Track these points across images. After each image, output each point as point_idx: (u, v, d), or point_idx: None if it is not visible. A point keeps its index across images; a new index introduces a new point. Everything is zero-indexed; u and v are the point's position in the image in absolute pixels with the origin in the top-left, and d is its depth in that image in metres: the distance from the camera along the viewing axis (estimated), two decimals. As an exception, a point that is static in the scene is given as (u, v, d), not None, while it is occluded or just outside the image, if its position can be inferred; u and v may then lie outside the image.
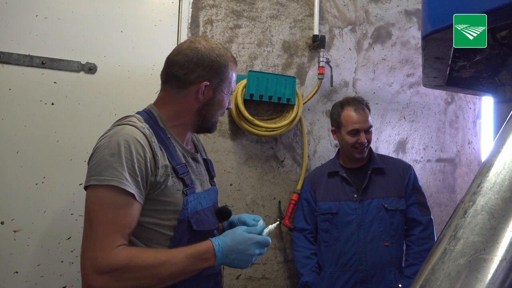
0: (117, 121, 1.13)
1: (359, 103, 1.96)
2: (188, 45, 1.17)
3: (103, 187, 0.98)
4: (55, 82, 1.72)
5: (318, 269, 1.94)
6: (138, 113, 1.17)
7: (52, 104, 1.71)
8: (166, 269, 0.99)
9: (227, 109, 1.27)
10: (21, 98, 1.66)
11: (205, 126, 1.24)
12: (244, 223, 1.29)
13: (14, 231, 1.63)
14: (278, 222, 1.22)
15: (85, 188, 1.03)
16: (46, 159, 1.68)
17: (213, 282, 1.22)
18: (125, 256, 0.96)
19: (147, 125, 1.10)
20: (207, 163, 1.34)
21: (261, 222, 1.23)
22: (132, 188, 1.00)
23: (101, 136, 1.08)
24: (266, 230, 1.15)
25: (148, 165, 1.03)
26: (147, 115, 1.15)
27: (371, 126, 1.94)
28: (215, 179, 1.37)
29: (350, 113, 1.93)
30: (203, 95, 1.17)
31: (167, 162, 1.09)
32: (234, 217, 1.34)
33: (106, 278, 0.94)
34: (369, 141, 1.93)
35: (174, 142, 1.16)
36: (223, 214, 1.30)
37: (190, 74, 1.15)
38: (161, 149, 1.09)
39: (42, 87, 1.70)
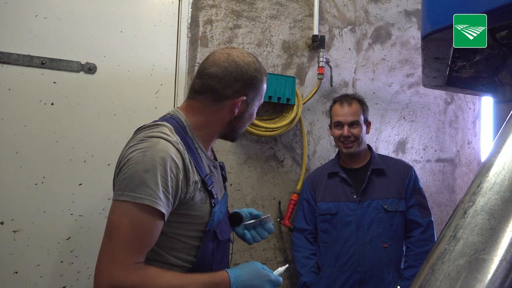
0: (145, 128, 1.09)
1: (347, 98, 1.98)
2: (226, 57, 1.14)
3: (135, 204, 0.96)
4: (54, 82, 1.72)
5: (317, 269, 1.94)
6: (166, 120, 1.12)
7: (52, 104, 1.71)
8: None
9: None
10: (21, 98, 1.66)
11: (233, 136, 1.24)
12: (251, 214, 1.38)
13: (14, 231, 1.63)
14: (287, 265, 1.24)
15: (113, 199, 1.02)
16: (46, 159, 1.68)
17: None
18: (141, 276, 0.95)
19: (179, 138, 1.06)
20: (221, 167, 1.33)
21: (267, 217, 1.35)
22: (163, 207, 0.98)
23: (131, 146, 1.04)
24: (277, 272, 1.17)
25: (180, 183, 1.02)
26: (176, 123, 1.11)
27: (356, 121, 1.92)
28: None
29: (336, 107, 1.99)
30: (238, 109, 1.15)
31: (197, 177, 1.08)
32: (243, 211, 1.40)
33: None
34: (355, 136, 1.92)
35: (200, 152, 1.14)
36: (236, 220, 1.34)
37: (229, 88, 1.12)
38: (191, 164, 1.07)
39: (42, 87, 1.69)
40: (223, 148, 2.07)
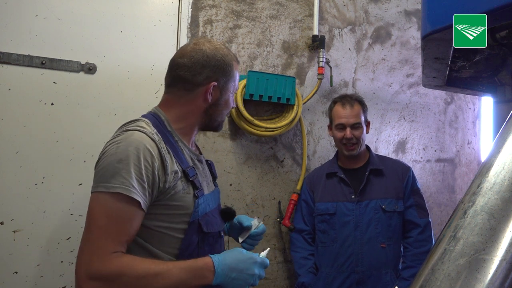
0: (125, 124, 1.12)
1: (348, 99, 1.97)
2: (193, 47, 1.17)
3: (109, 194, 0.98)
4: (54, 82, 1.72)
5: (315, 269, 1.94)
6: (144, 116, 1.15)
7: (52, 104, 1.71)
8: (158, 281, 0.97)
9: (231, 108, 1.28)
10: (21, 98, 1.66)
11: (212, 125, 1.25)
12: (240, 223, 1.36)
13: (14, 231, 1.63)
14: (269, 249, 1.22)
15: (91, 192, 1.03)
16: (46, 159, 1.68)
17: None
18: (118, 264, 0.95)
19: (155, 130, 1.08)
20: (209, 165, 1.34)
21: (254, 223, 1.35)
22: (138, 196, 0.99)
23: (109, 141, 1.07)
24: (262, 254, 1.15)
25: (156, 172, 1.03)
26: (154, 118, 1.14)
27: (358, 122, 1.91)
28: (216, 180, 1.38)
29: (338, 108, 1.97)
30: (211, 96, 1.17)
31: (176, 167, 1.09)
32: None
33: (97, 284, 0.94)
34: (357, 138, 1.91)
35: (181, 145, 1.15)
36: (228, 214, 1.32)
37: (198, 75, 1.15)
38: (170, 154, 1.08)
39: (42, 87, 1.69)
40: (223, 148, 2.07)
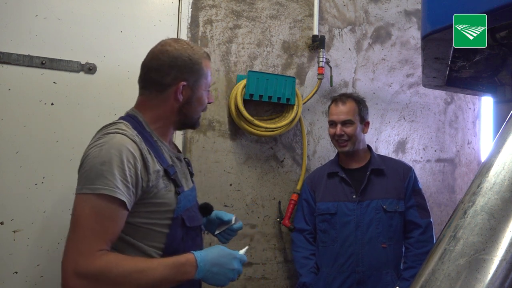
0: (104, 127, 1.15)
1: (343, 97, 1.99)
2: (160, 49, 1.21)
3: (94, 195, 1.01)
4: (54, 82, 1.72)
5: (316, 269, 1.94)
6: (123, 118, 1.19)
7: (52, 104, 1.71)
8: (143, 277, 1.01)
9: (208, 103, 1.31)
10: (21, 98, 1.66)
11: (189, 122, 1.28)
12: (220, 218, 1.43)
13: (14, 231, 1.62)
14: (247, 247, 1.28)
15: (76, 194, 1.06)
16: (46, 159, 1.68)
17: None
18: (104, 262, 0.99)
19: (135, 132, 1.12)
20: (187, 162, 1.38)
21: (233, 219, 1.43)
22: (123, 196, 1.02)
23: (90, 144, 1.10)
24: (241, 251, 1.20)
25: (139, 173, 1.07)
26: (133, 120, 1.17)
27: (349, 119, 1.92)
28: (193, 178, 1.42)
29: (332, 106, 2.00)
30: (182, 95, 1.19)
31: (158, 166, 1.12)
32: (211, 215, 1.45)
33: (83, 281, 0.97)
34: (348, 135, 1.91)
35: (160, 144, 1.19)
36: (206, 209, 1.37)
37: (166, 76, 1.17)
38: (151, 154, 1.12)
39: (42, 87, 1.69)
40: (223, 148, 2.07)
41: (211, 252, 1.11)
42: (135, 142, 1.08)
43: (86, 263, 0.97)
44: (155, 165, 1.12)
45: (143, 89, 1.22)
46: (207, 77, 1.26)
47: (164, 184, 1.13)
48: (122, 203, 1.03)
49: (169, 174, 1.15)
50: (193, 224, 1.22)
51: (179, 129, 1.31)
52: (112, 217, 1.03)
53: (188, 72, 1.19)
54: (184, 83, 1.18)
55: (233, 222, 1.44)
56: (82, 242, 0.99)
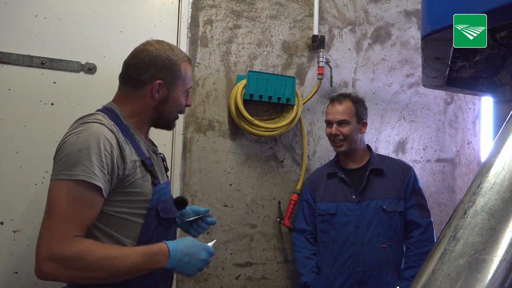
0: (81, 118, 1.17)
1: (340, 97, 1.99)
2: (141, 48, 1.26)
3: (71, 181, 1.03)
4: (54, 82, 1.72)
5: (317, 269, 1.94)
6: (100, 110, 1.22)
7: (52, 104, 1.71)
8: (116, 263, 1.04)
9: (186, 106, 1.34)
10: (21, 98, 1.66)
11: (163, 122, 1.32)
12: (196, 211, 1.46)
13: (14, 231, 1.62)
14: (215, 240, 1.34)
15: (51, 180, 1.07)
16: (46, 159, 1.67)
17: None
18: (78, 247, 1.01)
19: (113, 123, 1.15)
20: (162, 158, 1.40)
21: (210, 213, 1.48)
22: (100, 182, 1.05)
23: (67, 133, 1.14)
24: (210, 243, 1.25)
25: (115, 161, 1.09)
26: (110, 112, 1.20)
27: (344, 119, 1.92)
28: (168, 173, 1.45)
29: (329, 105, 2.02)
30: (158, 93, 1.23)
31: (135, 157, 1.16)
32: (186, 209, 1.47)
33: (57, 265, 0.99)
34: (344, 135, 1.91)
35: (137, 137, 1.23)
36: (181, 203, 1.39)
37: (144, 74, 1.22)
38: (128, 145, 1.16)
39: (42, 87, 1.69)
40: (223, 148, 2.07)
41: (183, 243, 1.15)
42: (112, 132, 1.12)
43: (61, 248, 0.99)
44: (132, 155, 1.15)
45: (122, 85, 1.27)
46: (186, 79, 1.29)
47: (141, 174, 1.16)
48: (99, 189, 1.05)
49: (146, 165, 1.19)
50: (167, 215, 1.25)
51: (155, 126, 1.34)
52: (88, 203, 1.05)
53: (165, 71, 1.23)
54: (160, 81, 1.23)
55: (206, 213, 1.47)
56: (57, 227, 1.01)
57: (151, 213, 1.19)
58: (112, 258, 1.04)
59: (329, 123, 1.98)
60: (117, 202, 1.13)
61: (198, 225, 1.47)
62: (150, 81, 1.22)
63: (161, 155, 1.39)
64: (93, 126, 1.10)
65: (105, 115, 1.17)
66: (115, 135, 1.12)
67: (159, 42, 1.29)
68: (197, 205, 1.56)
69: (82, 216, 1.05)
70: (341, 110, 1.93)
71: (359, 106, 1.98)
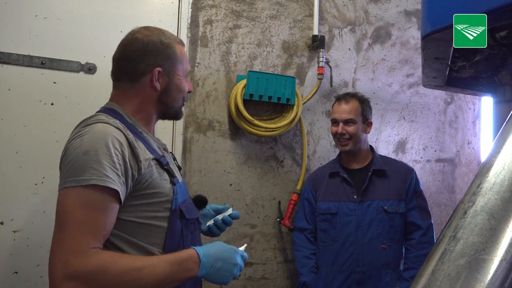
0: (82, 121, 1.07)
1: (347, 96, 1.99)
2: (130, 38, 1.14)
3: (81, 187, 0.91)
4: (54, 82, 1.72)
5: (317, 269, 1.94)
6: (100, 111, 1.11)
7: (52, 104, 1.71)
8: (144, 275, 0.92)
9: (189, 92, 1.23)
10: (21, 98, 1.66)
11: (170, 112, 1.20)
12: (217, 210, 1.36)
13: (14, 232, 1.62)
14: (246, 244, 1.20)
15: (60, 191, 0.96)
16: (46, 159, 1.68)
17: None
18: (98, 260, 0.89)
19: (118, 121, 1.05)
20: (173, 155, 1.32)
21: (230, 210, 1.35)
22: (115, 184, 0.93)
23: (69, 139, 1.03)
24: (241, 248, 1.14)
25: (127, 160, 0.98)
26: (112, 112, 1.09)
27: (351, 119, 1.91)
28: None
29: (335, 104, 2.01)
30: (159, 82, 1.12)
31: (149, 155, 1.05)
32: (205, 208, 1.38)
33: (76, 284, 0.86)
34: (350, 134, 1.91)
35: (146, 135, 1.12)
36: (201, 201, 1.32)
37: (140, 64, 1.10)
38: (138, 143, 1.04)
39: (42, 87, 1.69)
40: (222, 148, 2.07)
41: (213, 247, 1.04)
42: (119, 129, 1.00)
43: (78, 263, 0.86)
44: (145, 153, 1.04)
45: (116, 82, 1.15)
46: (183, 62, 1.18)
47: (158, 173, 1.06)
48: (114, 193, 0.94)
49: (162, 164, 1.08)
50: (192, 216, 1.16)
51: (163, 119, 1.23)
52: (103, 209, 0.92)
53: (161, 57, 1.12)
54: (159, 69, 1.11)
55: (230, 212, 1.35)
56: (71, 240, 0.88)
57: (174, 215, 1.07)
58: (138, 269, 0.91)
59: (335, 121, 1.97)
60: (137, 207, 1.02)
61: (222, 222, 1.34)
62: (148, 71, 1.10)
63: (171, 153, 1.30)
64: (97, 126, 0.99)
65: (107, 115, 1.06)
66: (123, 132, 1.00)
67: (146, 28, 1.16)
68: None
69: (98, 225, 0.92)
70: (348, 109, 1.93)
71: (365, 106, 1.98)
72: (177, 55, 1.16)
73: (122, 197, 0.97)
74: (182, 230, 1.10)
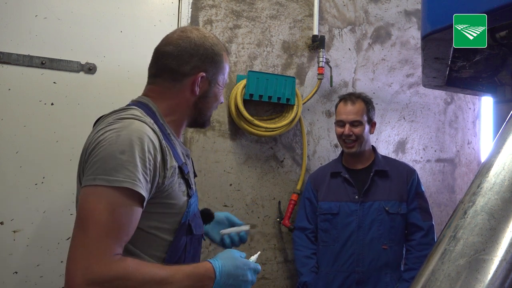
0: (113, 112, 1.02)
1: (353, 96, 1.97)
2: (179, 34, 1.08)
3: (111, 189, 0.86)
4: (54, 82, 1.72)
5: (317, 269, 1.94)
6: (134, 105, 1.06)
7: (52, 104, 1.71)
8: (162, 287, 0.89)
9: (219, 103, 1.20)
10: (21, 98, 1.66)
11: (200, 120, 1.16)
12: (229, 220, 1.33)
13: (14, 231, 1.62)
14: (259, 252, 1.20)
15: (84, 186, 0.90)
16: (46, 159, 1.68)
17: None
18: (123, 268, 0.85)
19: (152, 121, 1.00)
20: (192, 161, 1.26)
21: (247, 227, 1.31)
22: (144, 191, 0.90)
23: (100, 129, 0.96)
24: (252, 258, 1.12)
25: (158, 166, 0.94)
26: (146, 108, 1.04)
27: (357, 120, 1.90)
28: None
29: (340, 105, 1.98)
30: (199, 87, 1.08)
31: (174, 163, 1.00)
32: (220, 215, 1.34)
33: None
34: (356, 135, 1.90)
35: (174, 139, 1.07)
36: (208, 216, 1.29)
37: (185, 65, 1.06)
38: (167, 147, 0.99)
39: (42, 87, 1.69)
40: (222, 148, 2.07)
41: (228, 263, 0.99)
42: (154, 132, 0.96)
43: (100, 270, 0.82)
44: (172, 161, 0.99)
45: (155, 77, 1.09)
46: (225, 72, 1.15)
47: (179, 184, 1.02)
48: (141, 199, 0.90)
49: (183, 173, 1.03)
50: (198, 232, 1.11)
51: (190, 126, 1.19)
52: (130, 215, 0.88)
53: (209, 63, 1.08)
54: (203, 74, 1.07)
55: (247, 228, 1.32)
56: (95, 244, 0.83)
57: (182, 229, 1.03)
58: (159, 280, 0.88)
59: (341, 123, 1.94)
60: (150, 214, 0.96)
61: (234, 236, 1.31)
62: (192, 74, 1.06)
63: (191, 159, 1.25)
64: (134, 123, 0.93)
65: (142, 111, 1.00)
66: (158, 136, 0.96)
67: (198, 29, 1.11)
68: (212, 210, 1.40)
69: (123, 230, 0.88)
70: (354, 110, 1.91)
71: (369, 106, 1.97)
72: (223, 64, 1.13)
73: (144, 205, 0.93)
74: (186, 245, 1.06)
